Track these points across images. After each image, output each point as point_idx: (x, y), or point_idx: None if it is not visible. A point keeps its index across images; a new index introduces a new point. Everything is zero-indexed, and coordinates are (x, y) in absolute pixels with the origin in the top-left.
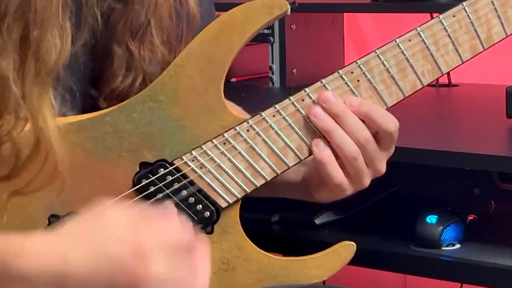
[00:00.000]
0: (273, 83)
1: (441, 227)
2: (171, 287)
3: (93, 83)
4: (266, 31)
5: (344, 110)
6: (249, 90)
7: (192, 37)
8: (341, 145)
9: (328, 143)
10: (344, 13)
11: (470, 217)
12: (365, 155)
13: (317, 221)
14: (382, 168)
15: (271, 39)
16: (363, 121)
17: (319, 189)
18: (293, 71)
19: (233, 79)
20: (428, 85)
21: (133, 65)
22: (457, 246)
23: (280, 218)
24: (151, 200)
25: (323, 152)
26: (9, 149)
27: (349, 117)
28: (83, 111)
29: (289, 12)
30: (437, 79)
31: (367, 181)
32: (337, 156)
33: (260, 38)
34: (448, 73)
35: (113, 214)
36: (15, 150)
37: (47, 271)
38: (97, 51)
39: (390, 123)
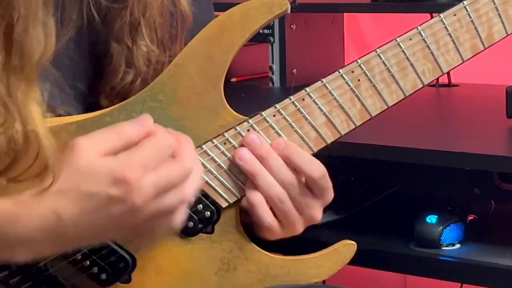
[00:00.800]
0: (273, 83)
1: (441, 227)
2: (166, 201)
3: (94, 71)
4: (266, 31)
5: (268, 152)
6: (249, 90)
7: (186, 36)
8: (266, 188)
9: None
10: (344, 13)
11: (470, 217)
12: (292, 199)
13: None
14: (317, 216)
15: (271, 39)
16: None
17: (257, 228)
18: (293, 71)
19: (233, 79)
20: (428, 85)
21: (133, 62)
22: (457, 246)
23: None
24: None
25: (254, 195)
26: (3, 143)
27: (272, 159)
28: (74, 107)
29: (289, 11)
30: (437, 79)
31: (299, 228)
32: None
33: (260, 38)
34: (448, 73)
35: (86, 152)
36: (10, 144)
37: (44, 228)
38: (96, 49)
39: (314, 168)
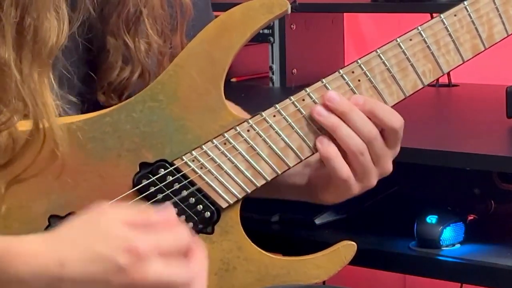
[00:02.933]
0: (273, 83)
1: (441, 227)
2: None
3: (91, 67)
4: (266, 31)
5: (350, 107)
6: (249, 90)
7: (186, 28)
8: (347, 140)
9: (333, 139)
10: (344, 13)
11: (470, 217)
12: (372, 152)
13: (317, 221)
14: (389, 167)
15: (271, 39)
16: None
17: (325, 190)
18: (293, 71)
19: (233, 79)
20: (428, 85)
21: (130, 57)
22: (457, 246)
23: (280, 218)
24: (151, 201)
25: (329, 148)
26: (6, 137)
27: (356, 114)
28: (81, 95)
29: (289, 11)
30: (437, 79)
31: (374, 180)
32: (343, 154)
33: (260, 38)
34: (448, 73)
35: (109, 216)
36: (12, 138)
37: (43, 273)
38: (93, 44)
39: (395, 119)
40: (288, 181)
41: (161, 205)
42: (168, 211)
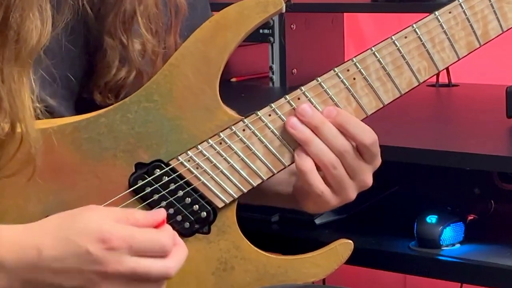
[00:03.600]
0: (273, 83)
1: (441, 227)
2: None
3: (75, 71)
4: (266, 31)
5: (322, 120)
6: (249, 90)
7: (181, 28)
8: (319, 154)
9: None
10: (344, 13)
11: (470, 217)
12: (346, 165)
13: (317, 221)
14: (368, 180)
15: (271, 39)
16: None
17: (305, 200)
18: (293, 71)
19: (233, 79)
20: (428, 85)
21: (127, 57)
22: (457, 246)
23: (280, 218)
24: (148, 201)
25: (304, 162)
26: None
27: (327, 127)
28: (64, 98)
29: (284, 10)
30: (437, 79)
31: (352, 194)
32: (319, 168)
33: (260, 38)
34: (448, 73)
35: (91, 211)
36: None
37: (23, 260)
38: (89, 44)
39: (366, 135)
40: (274, 189)
41: (157, 205)
42: (157, 213)
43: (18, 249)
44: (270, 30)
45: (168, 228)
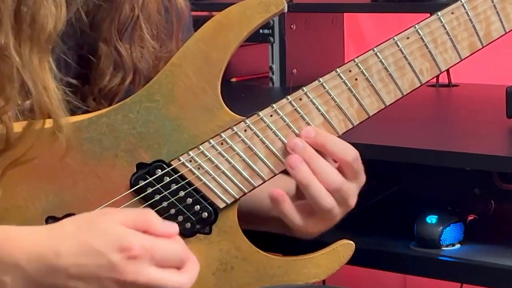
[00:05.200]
0: (273, 83)
1: (441, 227)
2: None
3: (88, 50)
4: (266, 31)
5: (310, 156)
6: (249, 90)
7: (182, 33)
8: (316, 197)
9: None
10: (344, 13)
11: (470, 217)
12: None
13: None
14: (352, 203)
15: (271, 39)
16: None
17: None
18: (293, 71)
19: (233, 79)
20: (428, 85)
21: (122, 64)
22: (457, 246)
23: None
24: (149, 202)
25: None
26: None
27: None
28: (78, 76)
29: (286, 10)
30: (437, 79)
31: (338, 217)
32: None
33: (260, 38)
34: (448, 73)
35: (111, 216)
36: (6, 127)
37: (39, 261)
38: (83, 51)
39: (347, 153)
40: (270, 214)
41: (159, 205)
42: (171, 224)
43: (35, 251)
44: (270, 30)
45: (181, 240)
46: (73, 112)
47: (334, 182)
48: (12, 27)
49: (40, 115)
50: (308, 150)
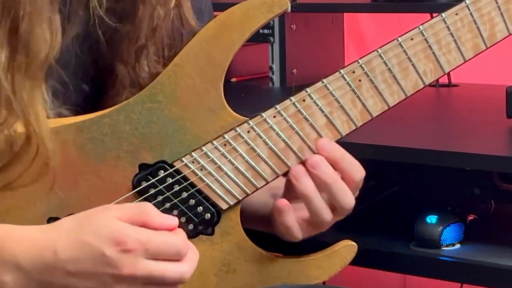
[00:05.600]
0: (273, 83)
1: (441, 227)
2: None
3: (87, 76)
4: (266, 31)
5: (332, 178)
6: (249, 90)
7: None
8: (316, 211)
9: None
10: (344, 13)
11: (470, 217)
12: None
13: None
14: (350, 210)
15: (271, 39)
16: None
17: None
18: (293, 71)
19: (233, 79)
20: (428, 85)
21: (138, 82)
22: (457, 246)
23: None
24: (152, 203)
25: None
26: (2, 142)
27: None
28: (77, 105)
29: (289, 10)
30: (437, 79)
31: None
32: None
33: (260, 38)
34: (448, 73)
35: (107, 212)
36: (8, 143)
37: (38, 260)
38: (98, 67)
39: (357, 173)
40: (260, 213)
41: (161, 207)
42: (170, 217)
43: (34, 250)
44: (270, 30)
45: (181, 231)
46: (76, 106)
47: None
48: (6, 54)
49: (27, 140)
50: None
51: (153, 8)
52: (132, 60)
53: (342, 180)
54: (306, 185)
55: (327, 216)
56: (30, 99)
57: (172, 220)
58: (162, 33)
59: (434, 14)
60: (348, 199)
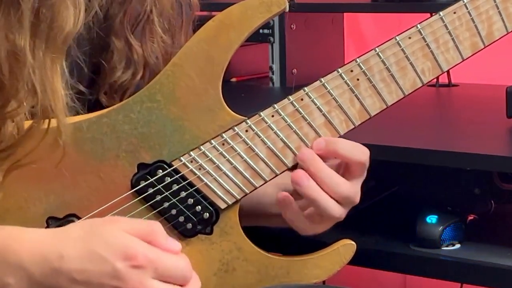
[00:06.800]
0: (273, 83)
1: (441, 227)
2: None
3: (83, 77)
4: (266, 31)
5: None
6: (249, 90)
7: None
8: (325, 209)
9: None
10: (344, 13)
11: (470, 217)
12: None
13: None
14: (358, 200)
15: (271, 39)
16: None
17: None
18: (293, 71)
19: (233, 79)
20: (428, 85)
21: (133, 59)
22: (457, 246)
23: None
24: (150, 202)
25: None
26: (11, 127)
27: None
28: (89, 84)
29: (287, 10)
30: (437, 79)
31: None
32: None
33: (260, 38)
34: (448, 73)
35: (117, 224)
36: (17, 128)
37: (43, 263)
38: (95, 45)
39: (360, 154)
40: (269, 211)
41: (160, 206)
42: (175, 241)
43: (39, 253)
44: (270, 30)
45: (185, 257)
46: (91, 96)
47: (343, 192)
48: (31, 27)
49: (43, 116)
50: (317, 161)
51: None
52: (127, 35)
53: (333, 171)
54: (308, 188)
55: (336, 209)
56: (50, 73)
57: (177, 244)
58: (163, 3)
59: (434, 14)
60: (341, 187)
